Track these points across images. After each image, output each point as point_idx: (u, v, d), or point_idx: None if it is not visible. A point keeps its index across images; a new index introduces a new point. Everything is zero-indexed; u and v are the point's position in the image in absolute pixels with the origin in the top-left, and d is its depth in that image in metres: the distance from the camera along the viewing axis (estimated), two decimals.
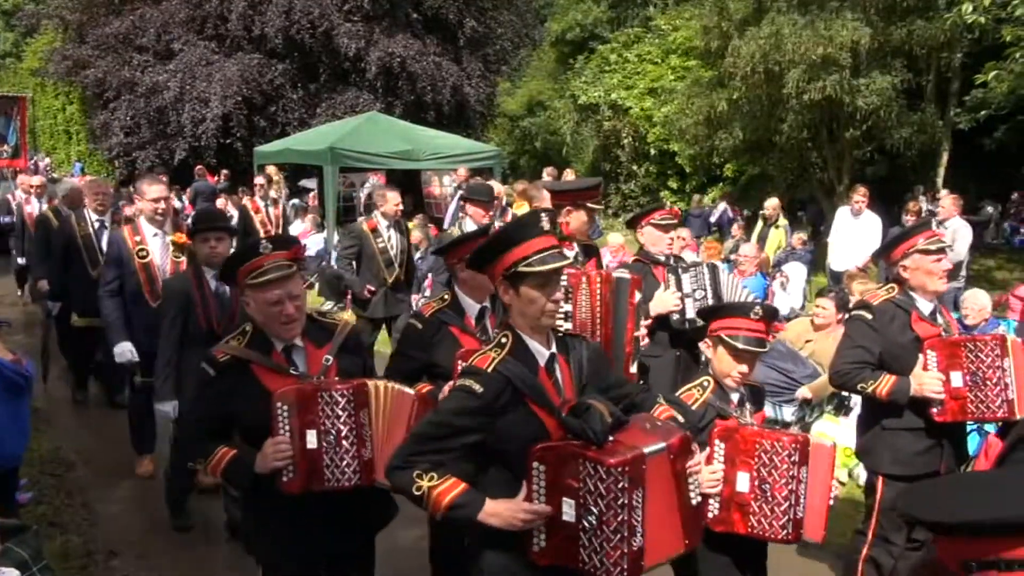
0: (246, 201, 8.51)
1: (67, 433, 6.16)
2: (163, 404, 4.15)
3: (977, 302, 5.70)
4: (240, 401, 2.60)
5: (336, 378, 2.65)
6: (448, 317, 3.21)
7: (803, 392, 5.74)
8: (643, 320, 3.95)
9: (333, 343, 2.76)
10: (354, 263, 6.39)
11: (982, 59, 8.98)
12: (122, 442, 5.87)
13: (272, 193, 8.35)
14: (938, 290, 3.52)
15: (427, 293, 8.35)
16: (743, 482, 2.71)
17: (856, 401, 5.84)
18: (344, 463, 2.51)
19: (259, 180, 8.40)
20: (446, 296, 3.31)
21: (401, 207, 6.75)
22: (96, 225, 6.10)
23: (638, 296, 3.89)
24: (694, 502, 2.30)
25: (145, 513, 4.82)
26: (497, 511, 2.17)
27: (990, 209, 14.92)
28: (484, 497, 2.21)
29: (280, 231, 8.00)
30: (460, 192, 11.54)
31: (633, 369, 3.86)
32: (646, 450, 2.09)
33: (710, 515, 2.77)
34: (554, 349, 2.35)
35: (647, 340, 4.03)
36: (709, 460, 2.76)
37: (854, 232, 9.12)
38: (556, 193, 4.22)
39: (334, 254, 9.50)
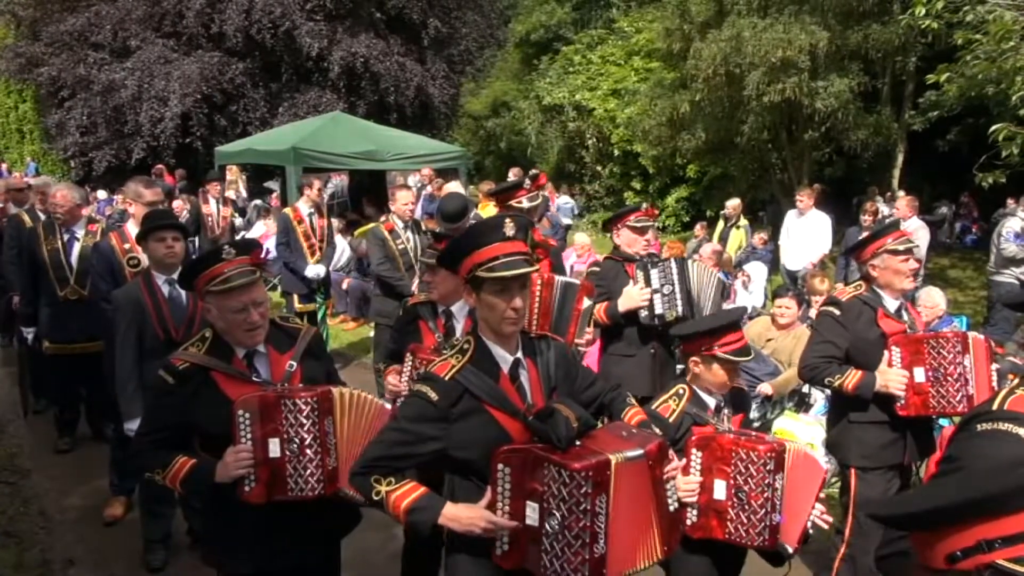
0: (288, 210, 7.72)
1: (21, 440, 5.99)
2: (132, 422, 3.82)
3: (931, 300, 5.84)
4: (200, 410, 2.53)
5: (300, 385, 2.60)
6: (423, 311, 3.27)
7: (764, 388, 5.83)
8: (588, 329, 3.92)
9: (296, 348, 2.70)
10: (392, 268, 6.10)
11: (935, 63, 9.19)
12: (79, 449, 5.75)
13: (301, 198, 7.50)
14: (905, 289, 3.64)
15: None
16: (720, 490, 2.72)
17: (816, 397, 5.96)
18: (308, 472, 2.46)
19: (316, 182, 7.46)
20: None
21: (412, 205, 6.45)
22: (65, 237, 5.30)
23: (587, 302, 3.87)
24: (672, 508, 2.28)
25: (104, 520, 4.70)
26: (457, 516, 2.16)
27: (944, 209, 15.29)
28: (444, 500, 2.20)
29: (324, 244, 7.43)
30: (426, 192, 11.52)
31: None
32: (613, 456, 2.08)
33: (688, 522, 2.77)
34: (520, 354, 2.33)
35: (590, 348, 4.03)
36: (686, 469, 2.75)
37: (802, 231, 9.31)
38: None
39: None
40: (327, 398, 2.51)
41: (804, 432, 5.31)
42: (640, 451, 2.16)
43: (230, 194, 11.56)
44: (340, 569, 2.89)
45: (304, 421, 2.45)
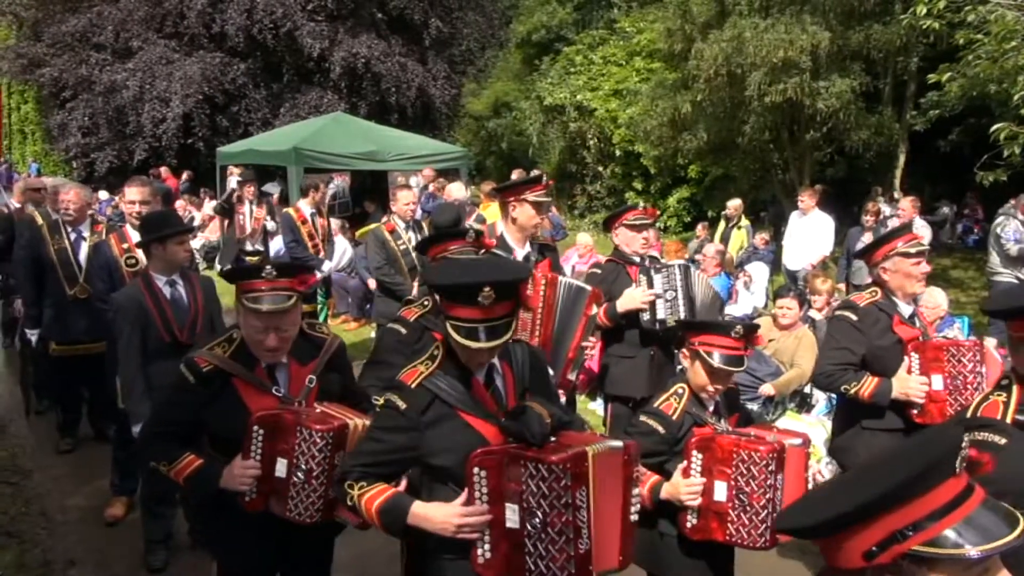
0: (290, 210, 7.84)
1: (23, 440, 6.00)
2: (141, 424, 3.75)
3: (933, 300, 5.82)
4: (216, 412, 2.55)
5: (317, 408, 2.58)
6: (431, 323, 3.11)
7: (766, 389, 5.82)
8: (591, 337, 3.90)
9: (318, 362, 2.69)
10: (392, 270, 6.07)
11: (937, 63, 9.19)
12: (81, 449, 5.76)
13: (302, 198, 7.63)
14: (916, 292, 3.61)
15: None
16: (721, 491, 2.68)
17: (818, 398, 5.95)
18: (309, 500, 2.45)
19: (323, 187, 7.59)
20: (426, 301, 3.22)
21: (414, 205, 6.43)
22: (72, 237, 5.32)
23: (595, 309, 3.86)
24: (633, 518, 2.22)
25: (105, 520, 4.70)
26: (428, 515, 2.11)
27: (946, 210, 15.26)
28: (413, 500, 2.15)
29: (326, 243, 7.61)
30: (427, 192, 11.51)
31: (571, 376, 3.83)
32: (590, 448, 2.06)
33: (688, 525, 2.75)
34: (494, 360, 2.28)
35: (596, 350, 4.02)
36: (687, 471, 2.74)
37: (803, 232, 9.30)
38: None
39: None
40: (343, 433, 2.48)
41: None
42: (620, 443, 2.15)
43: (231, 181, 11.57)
44: (331, 566, 2.90)
45: (316, 453, 2.43)
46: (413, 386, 2.19)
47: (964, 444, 1.22)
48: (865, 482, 1.22)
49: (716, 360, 2.83)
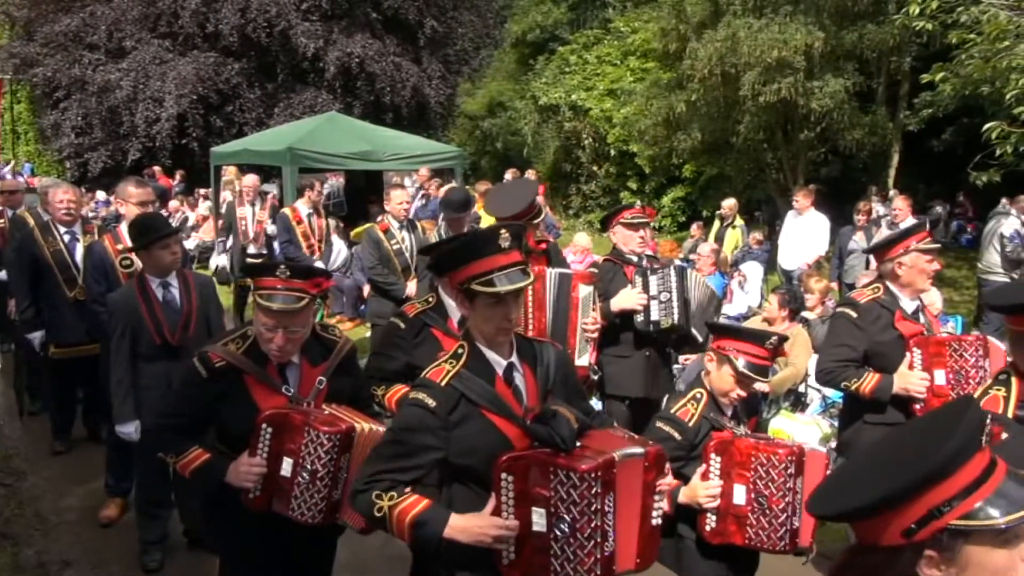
0: (286, 210, 7.84)
1: (17, 442, 5.98)
2: (125, 425, 3.87)
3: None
4: (226, 407, 2.58)
5: (326, 409, 2.59)
6: (431, 319, 3.15)
7: (761, 386, 5.83)
8: (593, 312, 3.89)
9: (329, 364, 2.71)
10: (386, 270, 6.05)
11: (930, 63, 9.23)
12: (75, 450, 5.74)
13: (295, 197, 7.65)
14: (925, 289, 3.65)
15: None
16: (740, 495, 2.69)
17: (812, 397, 5.97)
18: (312, 501, 2.47)
19: (318, 185, 7.56)
20: (430, 298, 3.24)
21: (407, 205, 6.42)
22: (66, 238, 5.23)
23: (585, 290, 3.86)
24: (654, 522, 2.23)
25: (99, 521, 4.70)
26: (464, 526, 2.09)
27: (939, 209, 15.31)
28: (449, 512, 2.14)
29: (323, 243, 7.66)
30: (421, 192, 11.51)
31: (581, 361, 3.81)
32: (616, 454, 2.08)
33: (707, 528, 2.76)
34: (514, 358, 2.30)
35: (596, 336, 4.01)
36: (706, 474, 2.74)
37: (799, 231, 9.33)
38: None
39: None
40: (350, 437, 2.49)
41: (800, 432, 5.32)
42: (640, 449, 2.16)
43: (226, 194, 11.50)
44: (332, 564, 2.92)
45: (322, 455, 2.45)
46: (442, 384, 2.18)
47: (988, 418, 1.26)
48: (900, 462, 1.25)
49: (747, 367, 2.83)
